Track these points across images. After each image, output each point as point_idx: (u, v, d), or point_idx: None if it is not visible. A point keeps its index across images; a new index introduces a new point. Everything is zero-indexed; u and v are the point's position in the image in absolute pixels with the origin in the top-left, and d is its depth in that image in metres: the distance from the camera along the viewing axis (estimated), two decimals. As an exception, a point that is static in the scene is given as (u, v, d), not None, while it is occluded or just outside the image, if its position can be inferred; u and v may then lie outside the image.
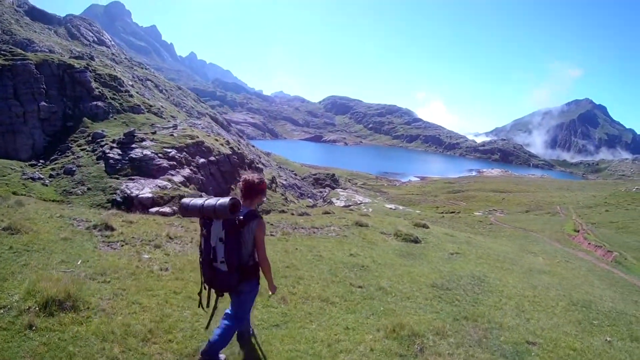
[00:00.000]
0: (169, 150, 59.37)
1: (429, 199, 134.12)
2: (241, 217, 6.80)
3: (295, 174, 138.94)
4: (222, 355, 7.13)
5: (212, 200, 6.76)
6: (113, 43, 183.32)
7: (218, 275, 6.87)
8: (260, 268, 7.18)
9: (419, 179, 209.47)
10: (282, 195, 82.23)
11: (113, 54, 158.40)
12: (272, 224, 21.11)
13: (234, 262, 6.73)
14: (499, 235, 48.41)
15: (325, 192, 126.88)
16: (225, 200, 6.59)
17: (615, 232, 57.72)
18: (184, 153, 60.82)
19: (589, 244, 45.86)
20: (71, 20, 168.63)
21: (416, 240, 20.71)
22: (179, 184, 53.06)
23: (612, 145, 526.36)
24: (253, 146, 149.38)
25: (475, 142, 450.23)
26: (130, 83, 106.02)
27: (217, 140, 76.23)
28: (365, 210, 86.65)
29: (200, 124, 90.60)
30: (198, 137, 67.26)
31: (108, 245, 12.98)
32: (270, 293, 7.59)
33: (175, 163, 57.48)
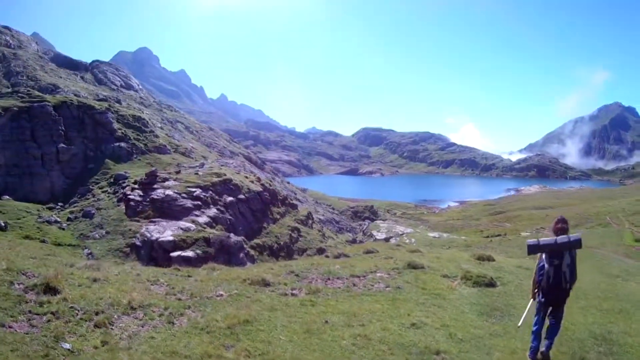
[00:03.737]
0: (194, 189, 56.11)
1: (472, 223, 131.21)
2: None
3: (333, 209, 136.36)
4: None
5: (564, 237, 9.41)
6: (141, 87, 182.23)
7: (562, 294, 9.58)
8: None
9: (458, 204, 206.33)
10: (320, 231, 78.52)
11: (141, 97, 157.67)
12: (296, 275, 16.43)
13: (574, 282, 9.58)
14: (562, 256, 44.84)
15: (364, 224, 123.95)
16: (578, 235, 9.44)
17: (683, 238, 54.77)
18: (210, 192, 57.56)
19: (663, 255, 43.62)
20: (98, 66, 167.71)
21: (492, 284, 16.40)
22: (204, 225, 49.77)
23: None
24: (288, 182, 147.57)
25: (511, 161, 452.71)
26: (159, 125, 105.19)
27: (247, 177, 73.15)
28: (407, 241, 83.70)
29: (232, 163, 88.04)
30: (225, 175, 64.10)
31: (28, 321, 9.06)
32: None
33: (200, 203, 54.25)
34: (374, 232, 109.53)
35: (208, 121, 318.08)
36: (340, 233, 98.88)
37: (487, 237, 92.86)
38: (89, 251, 42.61)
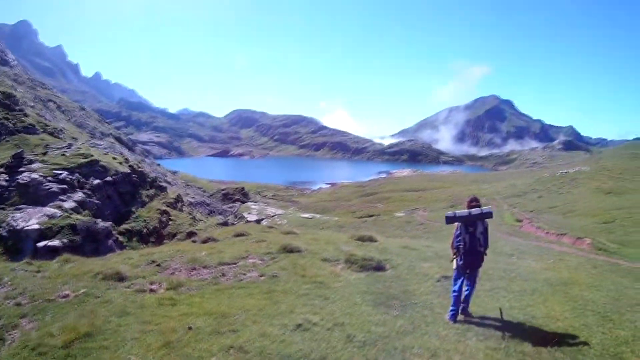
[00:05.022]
0: (60, 172, 53.15)
1: (343, 204, 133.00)
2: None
3: (204, 191, 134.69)
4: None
5: (477, 210, 11.23)
6: (16, 63, 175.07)
7: (478, 256, 11.36)
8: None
9: (329, 186, 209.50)
10: (190, 214, 76.93)
11: (15, 74, 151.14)
12: (158, 265, 14.92)
13: (486, 246, 11.40)
14: (441, 236, 46.40)
15: (235, 206, 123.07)
16: (489, 208, 11.46)
17: (562, 216, 58.67)
18: (76, 174, 54.79)
19: (547, 232, 46.32)
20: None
21: (381, 267, 15.24)
22: (71, 211, 47.05)
23: (520, 137, 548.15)
24: (158, 165, 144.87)
25: (383, 145, 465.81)
26: (31, 104, 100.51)
27: (115, 158, 70.64)
28: (280, 222, 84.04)
29: (102, 145, 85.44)
30: (93, 156, 61.51)
31: None
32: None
33: (66, 186, 51.46)
34: (245, 214, 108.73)
35: (81, 100, 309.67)
36: (211, 216, 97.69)
37: (360, 217, 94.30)
38: None
